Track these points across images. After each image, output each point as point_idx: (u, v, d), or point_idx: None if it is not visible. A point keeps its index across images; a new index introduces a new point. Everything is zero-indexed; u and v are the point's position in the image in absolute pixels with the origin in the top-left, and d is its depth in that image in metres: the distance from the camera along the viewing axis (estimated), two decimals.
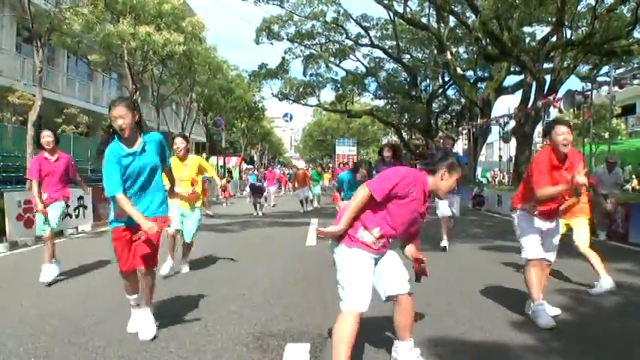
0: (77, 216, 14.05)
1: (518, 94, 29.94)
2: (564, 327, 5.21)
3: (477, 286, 7.21)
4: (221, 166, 42.13)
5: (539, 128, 26.76)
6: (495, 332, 5.05)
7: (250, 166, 45.66)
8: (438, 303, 6.10)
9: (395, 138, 50.86)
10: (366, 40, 39.33)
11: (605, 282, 6.61)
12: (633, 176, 30.46)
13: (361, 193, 3.74)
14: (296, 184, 25.29)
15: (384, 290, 3.95)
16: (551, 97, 21.10)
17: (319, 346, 4.63)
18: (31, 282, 7.27)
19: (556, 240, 5.58)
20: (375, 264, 3.92)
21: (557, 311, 5.57)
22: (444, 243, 10.18)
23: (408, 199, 3.77)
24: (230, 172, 41.29)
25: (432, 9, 33.35)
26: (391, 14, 34.08)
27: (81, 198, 13.84)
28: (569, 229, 7.20)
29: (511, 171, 30.86)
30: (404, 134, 48.76)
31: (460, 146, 45.98)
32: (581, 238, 7.03)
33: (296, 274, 7.94)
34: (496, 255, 9.86)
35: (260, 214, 20.22)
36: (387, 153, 9.55)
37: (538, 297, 5.33)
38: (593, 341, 4.86)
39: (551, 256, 5.59)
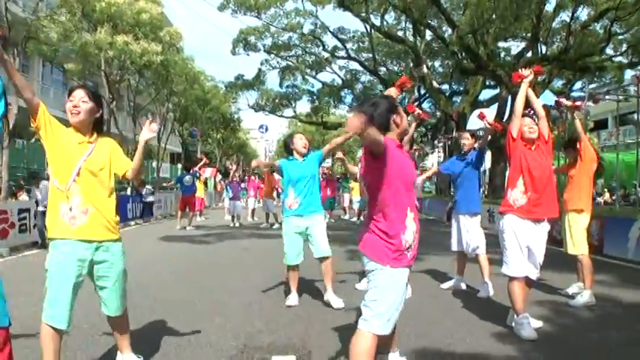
0: None
1: (494, 107, 30.25)
2: (546, 338, 5.27)
3: (459, 297, 7.29)
4: (197, 177, 41.90)
5: None
6: (478, 343, 5.09)
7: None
8: (422, 315, 6.12)
9: None
10: (342, 53, 39.45)
11: (588, 296, 6.78)
12: (605, 189, 30.93)
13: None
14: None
15: None
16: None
17: (305, 358, 4.62)
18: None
19: (540, 257, 5.56)
20: None
21: (538, 323, 5.63)
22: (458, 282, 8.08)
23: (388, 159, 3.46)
24: (205, 183, 41.08)
25: (408, 23, 33.62)
26: (368, 27, 34.22)
27: None
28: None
29: (486, 183, 31.11)
30: None
31: (435, 159, 46.19)
32: (578, 240, 6.95)
33: (275, 286, 7.92)
34: (476, 267, 9.92)
35: (237, 224, 20.12)
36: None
37: (521, 310, 5.38)
38: (573, 352, 4.94)
39: (534, 274, 5.60)
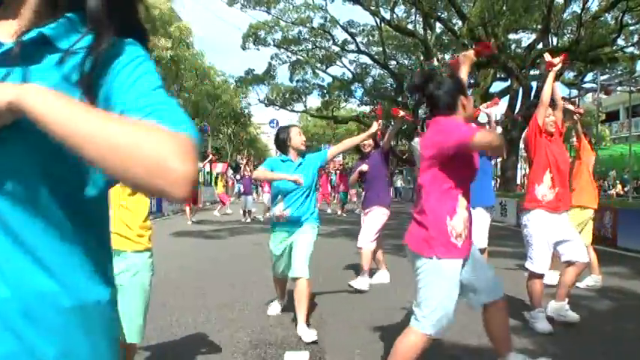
0: None
1: (505, 100, 30.07)
2: (561, 332, 5.24)
3: None
4: (207, 172, 41.99)
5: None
6: None
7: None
8: None
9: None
10: (352, 47, 39.36)
11: (593, 279, 7.19)
12: (617, 181, 30.77)
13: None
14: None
15: (477, 299, 3.69)
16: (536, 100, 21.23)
17: (318, 354, 4.60)
18: None
19: (579, 240, 5.53)
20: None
21: (575, 316, 5.60)
22: None
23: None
24: (217, 179, 41.15)
25: (418, 15, 33.44)
26: (378, 20, 34.11)
27: None
28: None
29: (497, 175, 30.97)
30: None
31: None
32: (585, 232, 7.11)
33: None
34: (491, 260, 9.88)
35: (249, 220, 20.08)
36: (367, 148, 8.13)
37: (539, 304, 5.36)
38: (588, 344, 4.92)
39: (584, 258, 5.54)
